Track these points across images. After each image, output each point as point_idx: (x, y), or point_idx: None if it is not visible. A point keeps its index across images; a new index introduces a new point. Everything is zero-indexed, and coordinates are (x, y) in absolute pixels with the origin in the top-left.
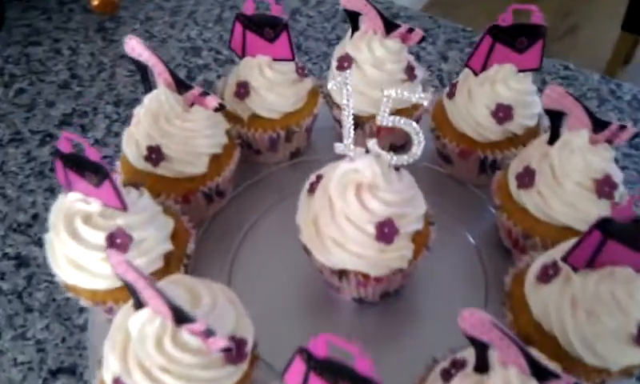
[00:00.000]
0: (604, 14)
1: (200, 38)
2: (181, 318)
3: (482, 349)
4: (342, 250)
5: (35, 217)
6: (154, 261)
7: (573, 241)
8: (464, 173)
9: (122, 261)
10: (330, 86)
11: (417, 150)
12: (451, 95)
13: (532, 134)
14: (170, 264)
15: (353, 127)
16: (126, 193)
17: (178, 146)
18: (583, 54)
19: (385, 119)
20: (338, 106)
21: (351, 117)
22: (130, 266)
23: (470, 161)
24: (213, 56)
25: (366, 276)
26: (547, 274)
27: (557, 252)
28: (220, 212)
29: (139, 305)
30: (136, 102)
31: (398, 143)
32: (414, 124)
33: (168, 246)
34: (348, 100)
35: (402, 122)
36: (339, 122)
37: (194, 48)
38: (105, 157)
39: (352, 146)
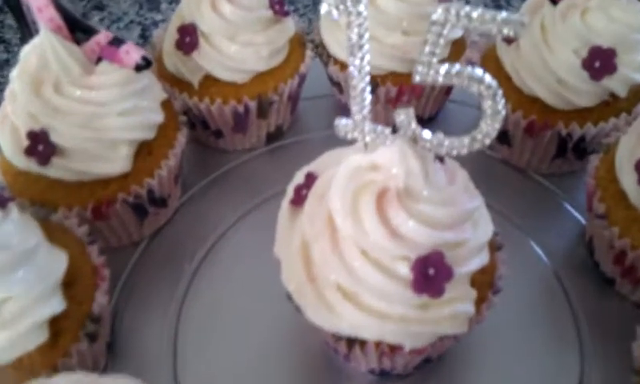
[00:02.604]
0: None
1: None
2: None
3: None
4: (354, 307)
5: None
6: (27, 333)
7: None
8: (529, 157)
9: None
10: (323, 9)
11: (491, 126)
12: (511, 38)
13: (637, 94)
14: (62, 334)
15: (369, 89)
16: None
17: (76, 130)
18: None
19: (432, 72)
20: (338, 60)
21: (366, 68)
22: None
23: (542, 139)
24: (175, 9)
25: (394, 346)
26: None
27: None
28: (161, 230)
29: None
30: (6, 64)
31: (426, 114)
32: (489, 78)
33: (56, 305)
34: (360, 33)
35: (465, 76)
36: (339, 85)
37: (151, 1)
38: None
39: (367, 124)
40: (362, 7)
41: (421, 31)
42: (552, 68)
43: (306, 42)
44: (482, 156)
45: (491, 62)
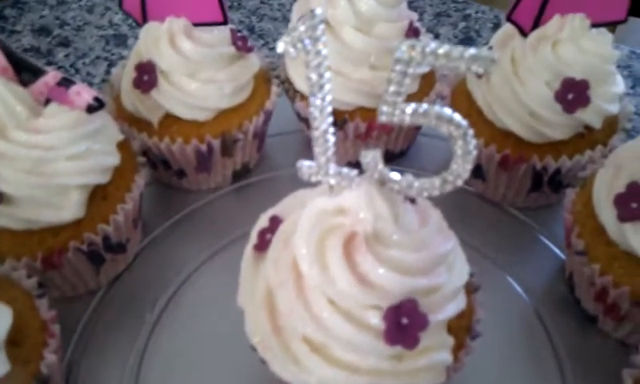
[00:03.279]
0: None
1: (126, 23)
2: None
3: None
4: (323, 361)
5: None
6: None
7: None
8: (504, 191)
9: None
10: (280, 48)
11: (462, 167)
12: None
13: (611, 126)
14: None
15: (332, 130)
16: None
17: (23, 176)
18: None
19: (397, 111)
20: (304, 96)
21: (327, 109)
22: None
23: (517, 173)
24: None
25: None
26: None
27: None
28: (120, 277)
29: None
30: None
31: (397, 149)
32: (458, 117)
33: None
34: (320, 72)
35: (433, 115)
36: (307, 121)
37: (118, 36)
38: None
39: (331, 166)
40: (320, 46)
41: (388, 66)
42: (524, 101)
43: (272, 78)
44: (456, 191)
45: (462, 95)
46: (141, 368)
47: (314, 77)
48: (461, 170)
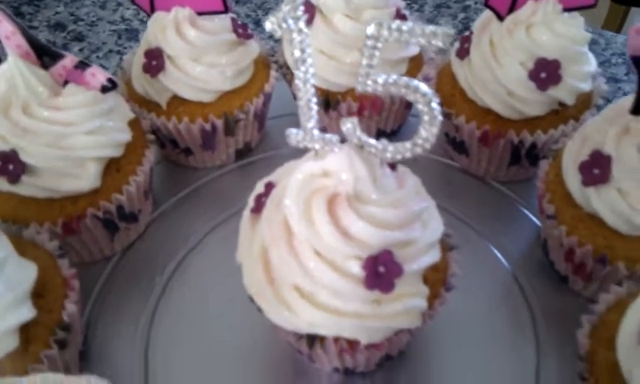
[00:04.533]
0: None
1: (137, 18)
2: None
3: None
4: (311, 306)
5: None
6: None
7: None
8: (486, 165)
9: None
10: (267, 27)
11: (429, 131)
12: (463, 54)
13: (585, 103)
14: (32, 341)
15: (315, 100)
16: None
17: (44, 149)
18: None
19: (370, 82)
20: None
21: (310, 80)
22: None
23: (497, 148)
24: None
25: (352, 342)
26: None
27: None
28: (132, 245)
29: None
30: None
31: (388, 128)
32: (424, 87)
33: (25, 313)
34: (302, 50)
35: (401, 85)
36: None
37: (130, 31)
38: None
39: (315, 132)
40: (301, 24)
41: None
42: (501, 81)
43: (271, 63)
44: (442, 165)
45: (447, 77)
46: (152, 325)
47: (297, 53)
48: (429, 134)
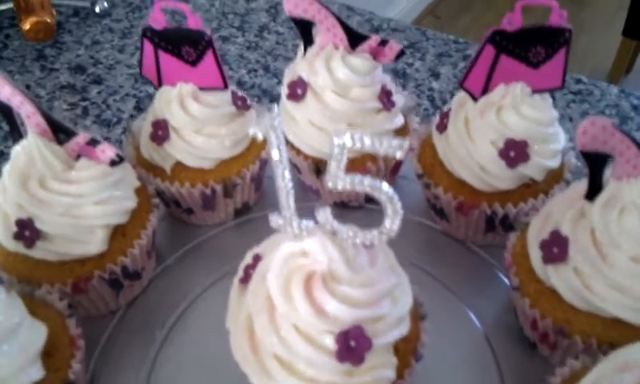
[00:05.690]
0: (601, 20)
1: None
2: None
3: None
4: (290, 375)
5: None
6: None
7: None
8: (465, 230)
9: None
10: (250, 132)
11: (391, 225)
12: (442, 128)
13: (555, 177)
14: None
15: (292, 191)
16: None
17: (57, 218)
18: (582, 64)
19: (337, 180)
20: (294, 147)
21: (287, 176)
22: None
23: (473, 216)
24: None
25: None
26: None
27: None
28: (136, 299)
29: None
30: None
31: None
32: (386, 187)
33: (35, 373)
34: (280, 152)
35: (366, 185)
36: (296, 167)
37: None
38: None
39: (294, 219)
40: (279, 132)
41: (363, 123)
42: (474, 157)
43: None
44: (426, 228)
45: (428, 147)
46: (151, 377)
47: (276, 156)
48: (393, 225)
